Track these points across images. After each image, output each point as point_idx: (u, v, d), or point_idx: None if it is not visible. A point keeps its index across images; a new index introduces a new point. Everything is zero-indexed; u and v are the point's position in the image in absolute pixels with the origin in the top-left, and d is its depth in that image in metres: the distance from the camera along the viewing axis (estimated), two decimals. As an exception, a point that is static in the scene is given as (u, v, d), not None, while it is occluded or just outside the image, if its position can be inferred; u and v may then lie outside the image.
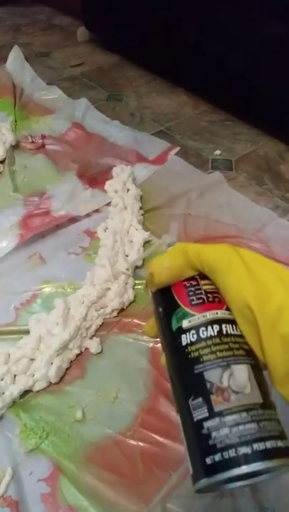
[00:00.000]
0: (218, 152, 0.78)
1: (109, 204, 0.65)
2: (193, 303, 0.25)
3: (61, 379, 0.45)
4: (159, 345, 0.49)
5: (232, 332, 0.24)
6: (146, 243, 0.60)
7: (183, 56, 0.91)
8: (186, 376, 0.24)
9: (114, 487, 0.37)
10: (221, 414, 0.21)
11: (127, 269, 0.53)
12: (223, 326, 0.24)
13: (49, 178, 0.71)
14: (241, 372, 0.22)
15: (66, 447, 0.40)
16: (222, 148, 0.79)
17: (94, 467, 0.38)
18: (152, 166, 0.74)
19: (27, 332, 0.48)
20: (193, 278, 0.26)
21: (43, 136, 0.80)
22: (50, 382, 0.44)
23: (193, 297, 0.25)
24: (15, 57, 1.04)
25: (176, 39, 0.89)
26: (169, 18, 0.89)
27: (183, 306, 0.25)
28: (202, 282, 0.26)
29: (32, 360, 0.45)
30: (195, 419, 0.22)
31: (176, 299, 0.26)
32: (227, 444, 0.20)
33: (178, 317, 0.25)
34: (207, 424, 0.21)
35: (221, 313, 0.25)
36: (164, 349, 0.27)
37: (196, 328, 0.24)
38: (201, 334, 0.24)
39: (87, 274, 0.53)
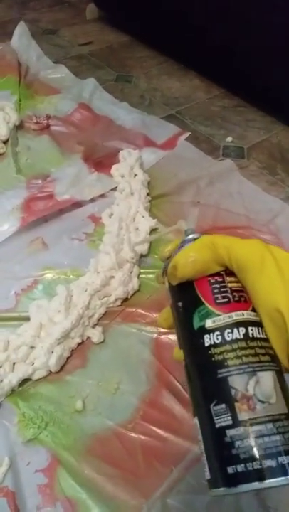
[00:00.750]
0: (229, 139, 0.75)
1: (115, 189, 0.63)
2: (218, 301, 0.24)
3: (62, 368, 0.44)
4: (163, 336, 0.47)
5: (258, 336, 0.23)
6: (153, 231, 0.58)
7: (195, 39, 0.87)
8: (208, 379, 0.23)
9: (113, 480, 0.36)
10: (245, 423, 0.21)
11: (132, 258, 0.52)
12: (250, 328, 0.23)
13: (53, 160, 0.69)
14: (267, 381, 0.22)
15: (65, 438, 0.39)
16: (234, 135, 0.76)
17: (93, 459, 0.38)
18: (161, 151, 0.71)
19: (27, 319, 0.46)
20: (218, 274, 0.24)
21: (48, 117, 0.78)
22: (50, 371, 0.43)
23: (219, 295, 0.24)
24: (21, 33, 1.00)
25: (188, 21, 0.86)
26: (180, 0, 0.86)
27: (207, 304, 0.24)
28: (228, 279, 0.24)
29: (32, 348, 0.44)
30: (217, 426, 0.22)
31: (200, 295, 0.24)
32: (251, 456, 0.20)
33: (201, 315, 0.24)
34: (230, 433, 0.21)
35: (247, 315, 0.23)
36: (181, 345, 0.25)
37: (221, 329, 0.23)
38: (226, 336, 0.23)
39: (91, 261, 0.51)
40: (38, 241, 0.56)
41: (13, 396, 0.41)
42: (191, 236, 0.27)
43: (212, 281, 0.24)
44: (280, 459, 0.19)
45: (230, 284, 0.24)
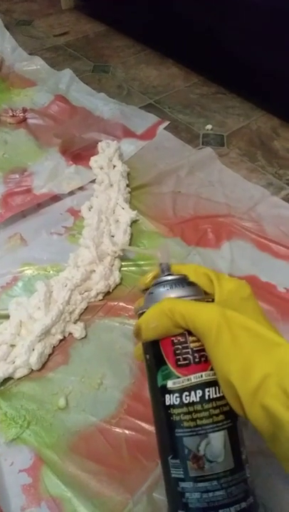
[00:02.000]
0: (209, 127, 0.74)
1: (94, 181, 0.62)
2: (180, 363, 0.26)
3: (44, 365, 0.43)
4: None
5: (214, 396, 0.25)
6: (134, 223, 0.57)
7: (173, 26, 0.86)
8: (167, 435, 0.26)
9: (98, 477, 0.36)
10: (194, 479, 0.24)
11: (115, 252, 0.51)
12: (206, 390, 0.25)
13: (30, 154, 0.67)
14: (217, 442, 0.24)
15: (48, 437, 0.38)
16: (213, 123, 0.75)
17: (77, 457, 0.37)
18: (140, 141, 0.70)
19: (7, 317, 0.45)
20: (181, 334, 0.26)
21: (25, 110, 0.76)
22: (32, 369, 0.42)
23: (180, 356, 0.26)
24: (-6, 25, 0.98)
25: (165, 8, 0.84)
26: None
27: (169, 365, 0.26)
28: (190, 339, 0.26)
29: (12, 346, 0.43)
30: (172, 476, 0.25)
31: (163, 354, 0.26)
32: (197, 507, 0.24)
33: (163, 374, 0.26)
34: (182, 484, 0.24)
35: (205, 376, 0.25)
36: (149, 390, 0.28)
37: (180, 392, 0.25)
38: (184, 399, 0.25)
39: (71, 255, 0.50)
40: (17, 237, 0.55)
41: (-6, 396, 0.41)
42: (162, 279, 0.29)
43: (175, 341, 0.26)
44: (220, 511, 0.23)
45: (192, 344, 0.26)
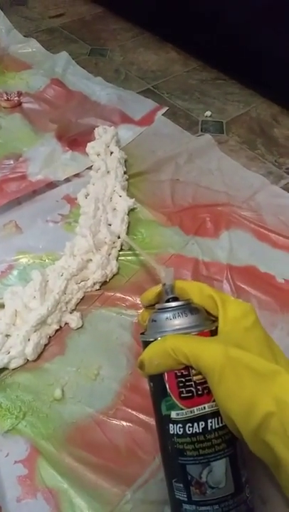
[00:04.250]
0: (208, 113, 0.73)
1: (90, 168, 0.60)
2: (183, 395, 0.26)
3: (39, 356, 0.42)
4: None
5: (216, 426, 0.26)
6: (131, 211, 0.56)
7: (172, 9, 0.83)
8: (171, 461, 0.27)
9: (95, 469, 0.35)
10: (197, 503, 0.25)
11: (114, 242, 0.50)
12: (209, 421, 0.26)
13: (25, 139, 0.65)
14: (219, 469, 0.25)
15: (44, 428, 0.38)
16: (213, 109, 0.73)
17: (74, 448, 0.36)
18: (138, 128, 0.69)
19: (2, 306, 0.44)
20: (184, 367, 0.27)
21: (20, 94, 0.73)
22: (28, 360, 0.42)
23: (183, 389, 0.26)
24: (-13, 5, 0.95)
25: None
26: None
27: (172, 397, 0.27)
28: (193, 372, 0.26)
29: (7, 336, 0.42)
30: (176, 497, 0.26)
31: (167, 386, 0.27)
32: None
33: (167, 405, 0.27)
34: (185, 506, 0.26)
35: (208, 407, 0.26)
36: (154, 413, 0.29)
37: (183, 423, 0.26)
38: (187, 430, 0.26)
39: (67, 244, 0.49)
40: (11, 225, 0.54)
41: (-12, 387, 0.40)
42: (166, 305, 0.30)
43: (178, 374, 0.27)
44: None
45: (195, 377, 0.26)
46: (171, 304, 0.30)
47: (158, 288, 0.33)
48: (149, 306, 0.33)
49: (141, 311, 0.35)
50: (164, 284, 0.32)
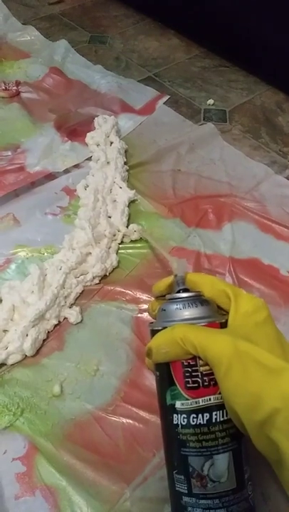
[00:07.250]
0: (211, 101, 0.71)
1: (90, 159, 0.59)
2: (188, 386, 0.26)
3: (38, 351, 0.41)
4: (145, 314, 0.45)
5: (221, 419, 0.25)
6: (132, 203, 0.54)
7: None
8: (173, 451, 0.27)
9: (94, 466, 0.35)
10: (197, 496, 0.25)
11: (114, 235, 0.49)
12: (214, 413, 0.25)
13: (24, 129, 0.64)
14: (221, 463, 0.25)
15: (42, 424, 0.37)
16: (215, 97, 0.72)
17: (72, 445, 0.36)
18: (139, 117, 0.67)
19: (-1, 301, 0.44)
20: (192, 357, 0.26)
21: (18, 83, 0.72)
22: (26, 355, 0.41)
23: (189, 379, 0.26)
24: (-15, -8, 0.93)
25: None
26: None
27: (178, 387, 0.26)
28: (200, 362, 0.26)
29: (5, 331, 0.42)
30: (176, 489, 0.26)
31: (173, 376, 0.27)
32: None
33: (172, 394, 0.26)
34: (185, 499, 0.25)
35: (213, 399, 0.26)
36: (158, 403, 0.29)
37: (188, 413, 0.26)
38: (191, 421, 0.25)
39: (66, 237, 0.48)
40: (9, 217, 0.53)
41: (-14, 383, 0.39)
42: (176, 296, 0.30)
43: (185, 364, 0.26)
44: None
45: (201, 368, 0.26)
46: (182, 295, 0.30)
47: (169, 279, 0.33)
48: (160, 297, 0.33)
49: (151, 300, 0.35)
50: (176, 275, 0.32)
